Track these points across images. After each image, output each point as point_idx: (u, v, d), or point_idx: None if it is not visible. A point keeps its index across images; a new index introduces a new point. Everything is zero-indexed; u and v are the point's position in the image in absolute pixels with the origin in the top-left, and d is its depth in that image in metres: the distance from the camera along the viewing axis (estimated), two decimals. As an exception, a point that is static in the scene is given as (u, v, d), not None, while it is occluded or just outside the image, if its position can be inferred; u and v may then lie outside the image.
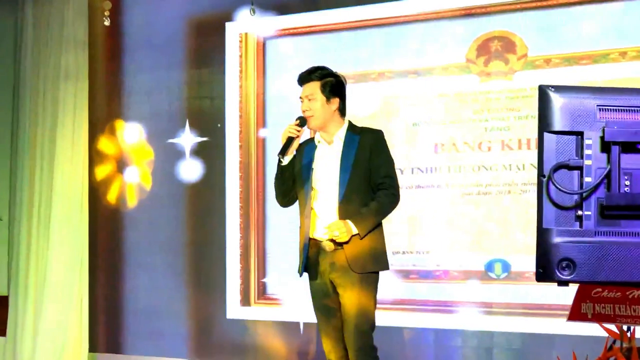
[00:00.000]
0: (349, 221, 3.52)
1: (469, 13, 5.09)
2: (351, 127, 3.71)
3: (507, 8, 4.99)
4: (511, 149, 4.98)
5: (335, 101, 3.66)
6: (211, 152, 5.74)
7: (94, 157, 5.99)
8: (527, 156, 4.93)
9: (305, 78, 3.68)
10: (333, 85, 3.66)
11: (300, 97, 3.68)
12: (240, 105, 5.65)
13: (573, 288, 2.53)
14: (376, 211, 3.57)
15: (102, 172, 6.00)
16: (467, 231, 5.04)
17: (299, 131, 3.63)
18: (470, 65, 5.14)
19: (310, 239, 3.63)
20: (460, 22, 5.08)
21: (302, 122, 3.65)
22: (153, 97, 5.83)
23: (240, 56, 5.66)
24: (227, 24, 5.72)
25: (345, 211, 3.55)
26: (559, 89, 2.09)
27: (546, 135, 2.08)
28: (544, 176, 2.07)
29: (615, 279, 2.07)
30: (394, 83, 5.29)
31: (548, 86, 2.09)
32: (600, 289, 2.61)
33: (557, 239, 2.07)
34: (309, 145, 3.74)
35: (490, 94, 5.05)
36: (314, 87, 3.64)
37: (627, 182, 2.08)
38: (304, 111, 3.64)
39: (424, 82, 5.22)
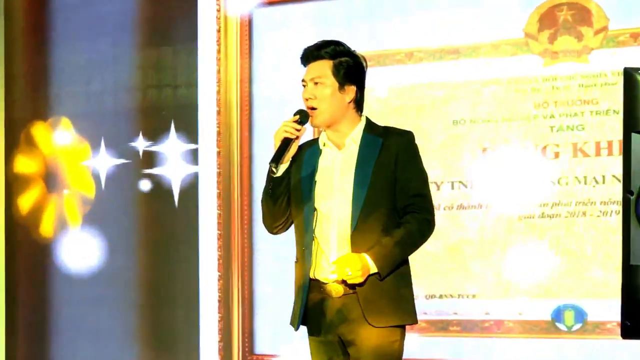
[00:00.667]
0: (365, 255, 3.46)
1: None
2: (370, 126, 3.67)
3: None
4: (587, 155, 5.04)
5: (352, 90, 3.60)
6: (177, 161, 5.76)
7: (12, 178, 6.04)
8: (608, 165, 4.97)
9: (312, 54, 3.61)
10: (350, 68, 3.60)
11: (304, 81, 3.62)
12: (218, 97, 5.68)
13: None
14: (403, 242, 3.53)
15: (26, 200, 6.08)
16: (528, 267, 5.06)
17: (298, 130, 3.57)
18: (530, 42, 5.19)
19: (311, 279, 3.57)
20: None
21: (304, 117, 3.58)
22: (93, 88, 5.92)
23: (218, 30, 5.70)
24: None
25: (361, 242, 3.51)
26: None
27: (635, 137, 2.02)
28: (632, 193, 2.00)
29: None
30: (427, 67, 5.34)
31: (637, 69, 2.02)
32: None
33: None
34: (310, 150, 3.70)
35: (557, 81, 5.12)
36: (324, 67, 3.59)
37: None
38: (306, 99, 3.58)
39: (467, 65, 5.27)
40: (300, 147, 3.68)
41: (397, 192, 3.54)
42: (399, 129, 3.67)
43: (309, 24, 5.51)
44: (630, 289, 2.00)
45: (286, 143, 3.56)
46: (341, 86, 3.56)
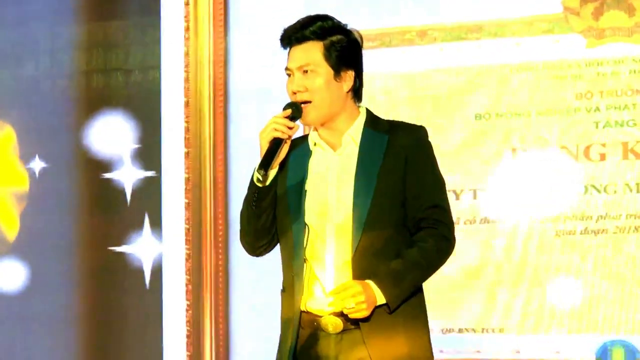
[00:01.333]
0: (371, 283, 3.37)
1: None
2: (372, 120, 3.58)
3: None
4: None
5: (349, 76, 3.51)
6: (133, 167, 5.78)
7: None
8: None
9: (295, 35, 3.51)
10: (345, 48, 3.50)
11: (288, 69, 3.53)
12: (187, 86, 5.64)
13: None
14: (417, 265, 3.43)
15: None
16: (567, 295, 5.08)
17: (291, 128, 3.49)
18: (570, 19, 5.19)
19: (302, 312, 3.48)
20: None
21: (296, 111, 3.50)
22: (25, 72, 5.83)
23: (187, 4, 5.68)
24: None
25: (364, 265, 3.42)
26: None
27: None
28: None
29: None
30: (444, 48, 5.33)
31: None
32: None
33: None
34: (297, 151, 3.62)
35: (603, 66, 5.12)
36: (313, 50, 3.49)
37: None
38: (294, 92, 3.49)
39: (492, 46, 5.28)
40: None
41: (407, 203, 3.47)
42: (409, 124, 3.60)
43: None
44: None
45: (276, 144, 3.47)
46: (337, 72, 3.48)
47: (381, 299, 3.36)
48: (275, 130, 3.44)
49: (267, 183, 3.52)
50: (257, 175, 3.50)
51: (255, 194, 3.56)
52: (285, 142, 3.49)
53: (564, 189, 5.15)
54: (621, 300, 5.02)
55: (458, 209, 5.12)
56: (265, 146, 3.46)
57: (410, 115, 4.85)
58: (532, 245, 5.17)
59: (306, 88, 3.46)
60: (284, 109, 3.47)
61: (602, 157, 5.11)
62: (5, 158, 6.22)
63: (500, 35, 5.27)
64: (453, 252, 3.51)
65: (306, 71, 3.48)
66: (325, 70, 3.47)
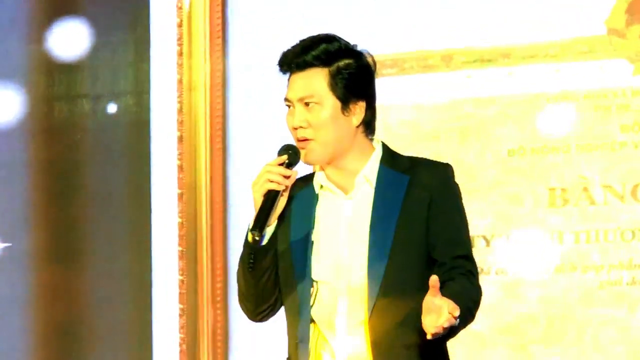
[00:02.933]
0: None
1: None
2: (390, 156, 3.32)
3: None
4: None
5: (360, 107, 3.24)
6: (120, 212, 5.82)
7: None
8: None
9: (296, 61, 3.25)
10: (353, 76, 3.23)
11: (287, 100, 3.27)
12: (181, 119, 5.54)
13: None
14: (465, 295, 3.16)
15: None
16: (611, 351, 4.97)
17: (287, 177, 3.25)
18: (614, 42, 5.09)
19: None
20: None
21: (293, 157, 3.29)
22: None
23: (179, 25, 5.63)
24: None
25: (382, 330, 3.17)
26: None
27: None
28: None
29: None
30: (471, 75, 5.23)
31: None
32: None
33: None
34: (301, 196, 3.36)
35: None
36: (317, 79, 3.22)
37: None
38: (295, 129, 3.24)
39: (526, 73, 5.18)
40: (293, 186, 3.36)
41: (434, 250, 3.22)
42: (432, 161, 3.35)
43: (305, 10, 5.40)
44: None
45: (272, 198, 3.22)
46: (344, 105, 3.22)
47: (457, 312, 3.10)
48: (270, 181, 3.20)
49: (265, 242, 3.26)
50: (252, 235, 3.27)
51: (251, 254, 3.30)
52: (282, 194, 3.24)
53: (609, 233, 5.04)
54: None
55: (488, 257, 5.08)
56: (259, 200, 3.23)
57: (433, 152, 4.82)
58: (572, 298, 5.05)
59: (309, 123, 3.22)
60: (279, 153, 3.26)
61: None
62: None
63: (535, 60, 5.17)
64: (481, 307, 3.22)
65: (308, 103, 3.22)
66: (331, 102, 3.21)
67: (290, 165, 3.22)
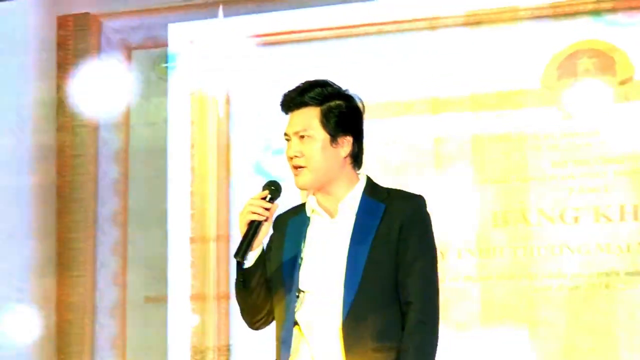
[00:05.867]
0: None
1: (545, 15, 5.25)
2: (371, 188, 3.39)
3: (598, 7, 5.17)
4: (610, 221, 5.03)
5: (347, 142, 3.33)
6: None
7: None
8: (634, 231, 5.01)
9: (294, 101, 3.34)
10: (343, 114, 3.32)
11: (286, 134, 3.35)
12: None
13: None
14: None
15: None
16: (544, 345, 5.05)
17: (268, 210, 3.30)
18: (546, 93, 5.24)
19: None
20: (532, 26, 5.22)
21: (274, 191, 3.32)
22: None
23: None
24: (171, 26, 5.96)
25: (354, 334, 3.23)
26: None
27: None
28: None
29: None
30: (431, 120, 5.37)
31: None
32: None
33: None
34: (295, 220, 3.44)
35: (577, 137, 5.15)
36: (310, 116, 3.31)
37: None
38: (291, 158, 3.31)
39: (475, 118, 5.31)
40: (282, 217, 3.45)
41: (398, 277, 3.26)
42: (407, 192, 3.39)
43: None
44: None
45: (254, 228, 3.28)
46: (333, 138, 3.29)
47: None
48: (252, 212, 3.26)
49: (250, 265, 3.34)
50: (237, 260, 3.32)
51: (240, 275, 3.39)
52: (263, 224, 3.28)
53: (541, 249, 5.14)
54: (595, 352, 5.02)
55: (444, 267, 5.00)
56: (243, 229, 3.29)
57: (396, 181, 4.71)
58: (511, 301, 5.16)
59: (302, 153, 3.28)
60: (263, 188, 3.31)
61: (576, 220, 5.10)
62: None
63: (481, 108, 5.31)
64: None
65: (303, 136, 3.30)
66: (321, 135, 3.29)
67: (272, 199, 3.26)
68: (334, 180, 3.33)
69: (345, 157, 3.32)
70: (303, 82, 3.38)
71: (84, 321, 5.92)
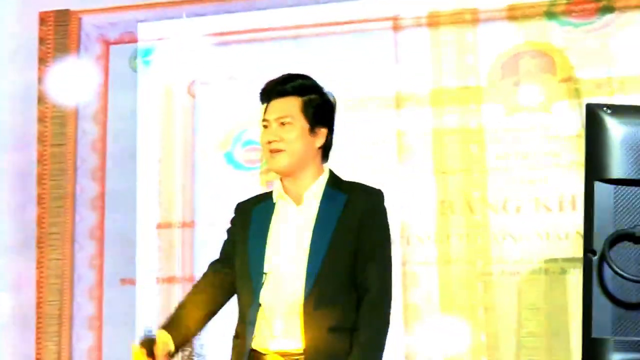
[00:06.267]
0: None
1: (501, 17, 5.36)
2: (334, 180, 3.50)
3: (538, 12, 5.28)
4: (549, 211, 5.15)
5: (322, 133, 3.46)
6: None
7: None
8: (572, 220, 5.12)
9: (276, 89, 3.45)
10: (320, 107, 3.46)
11: (265, 120, 3.43)
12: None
13: None
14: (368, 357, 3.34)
15: None
16: (488, 326, 5.15)
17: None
18: (491, 90, 5.34)
19: (251, 350, 3.37)
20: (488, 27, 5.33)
21: (149, 346, 3.32)
22: None
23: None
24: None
25: (313, 313, 3.31)
26: (619, 111, 1.95)
27: (598, 186, 1.93)
28: (594, 252, 1.90)
29: None
30: (394, 115, 5.48)
31: (601, 106, 1.95)
32: None
33: (615, 356, 1.91)
34: (261, 206, 3.53)
35: (519, 132, 5.27)
36: (291, 104, 3.43)
37: None
38: (269, 142, 3.40)
39: (421, 113, 5.41)
40: (245, 204, 3.57)
41: (356, 262, 3.37)
42: (367, 186, 3.50)
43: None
44: (593, 364, 1.91)
45: None
46: (312, 128, 3.42)
47: None
48: None
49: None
50: None
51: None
52: None
53: (484, 236, 5.24)
54: (536, 332, 5.12)
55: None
56: None
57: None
58: (456, 284, 5.26)
59: (282, 138, 3.37)
60: (141, 339, 3.33)
61: (517, 210, 5.19)
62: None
63: (433, 104, 5.40)
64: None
65: (283, 123, 3.38)
66: (301, 123, 3.38)
67: (149, 353, 3.26)
68: (304, 168, 3.42)
69: (318, 148, 3.44)
70: (284, 74, 3.48)
71: (62, 302, 6.00)
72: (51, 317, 5.99)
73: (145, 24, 6.04)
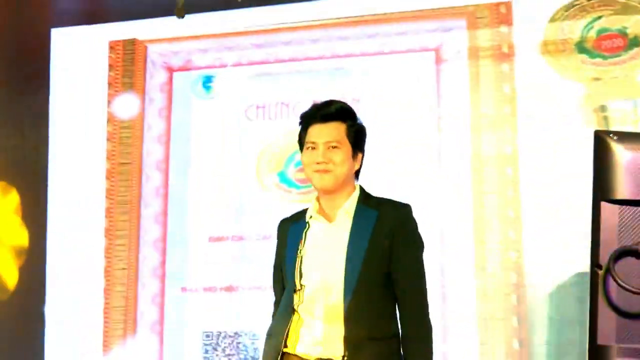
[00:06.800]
0: None
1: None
2: (364, 196, 3.56)
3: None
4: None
5: (359, 158, 3.56)
6: None
7: None
8: None
9: (321, 113, 3.50)
10: (360, 133, 3.55)
11: (313, 143, 3.49)
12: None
13: None
14: None
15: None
16: (517, 335, 5.15)
17: None
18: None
19: (289, 354, 3.43)
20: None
21: None
22: None
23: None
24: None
25: (355, 324, 3.37)
26: (624, 137, 2.03)
27: (605, 205, 2.01)
28: (600, 267, 1.99)
29: None
30: None
31: (607, 132, 2.03)
32: None
33: None
34: (295, 225, 3.60)
35: None
36: (340, 130, 3.49)
37: None
38: (317, 163, 3.46)
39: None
40: (285, 222, 3.66)
41: (392, 273, 3.44)
42: (395, 201, 3.56)
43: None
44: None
45: None
46: (354, 153, 3.51)
47: None
48: None
49: None
50: None
51: None
52: None
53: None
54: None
55: None
56: None
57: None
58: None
59: (330, 160, 3.42)
60: None
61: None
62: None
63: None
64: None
65: (331, 147, 3.43)
66: (347, 148, 3.45)
67: None
68: (343, 188, 3.49)
69: (356, 170, 3.54)
70: (326, 100, 3.55)
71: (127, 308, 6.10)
72: (117, 322, 6.13)
73: (205, 53, 6.19)
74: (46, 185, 6.28)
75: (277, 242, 3.63)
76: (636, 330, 1.97)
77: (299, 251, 3.47)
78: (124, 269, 6.10)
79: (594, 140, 2.02)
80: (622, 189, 1.99)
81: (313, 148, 3.46)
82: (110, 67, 6.37)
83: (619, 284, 1.94)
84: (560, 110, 5.34)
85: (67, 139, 6.35)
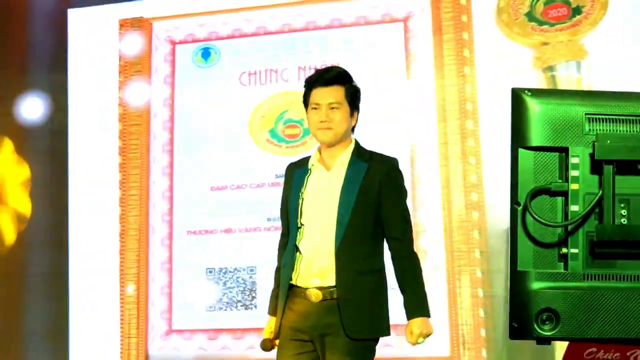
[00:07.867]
0: (423, 320, 3.48)
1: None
2: (358, 150, 3.64)
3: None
4: None
5: (355, 116, 3.64)
6: None
7: None
8: None
9: (323, 78, 3.58)
10: (357, 94, 3.64)
11: (316, 104, 3.57)
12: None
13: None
14: (421, 285, 3.53)
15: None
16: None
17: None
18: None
19: (293, 285, 3.53)
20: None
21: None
22: None
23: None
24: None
25: (345, 259, 3.47)
26: (537, 93, 2.05)
27: (521, 152, 2.03)
28: (519, 204, 2.01)
29: (611, 334, 1.99)
30: None
31: (522, 90, 2.05)
32: (594, 349, 2.58)
33: (535, 285, 2.01)
34: (300, 170, 3.68)
35: None
36: (340, 92, 3.56)
37: (624, 212, 2.01)
38: (320, 122, 3.56)
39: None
40: (291, 167, 3.75)
41: (382, 220, 3.54)
42: (384, 155, 3.67)
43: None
44: (517, 292, 1.99)
45: None
46: (351, 112, 3.60)
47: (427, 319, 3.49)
48: None
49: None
50: None
51: None
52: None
53: None
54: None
55: None
56: None
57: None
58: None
59: (331, 119, 3.51)
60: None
61: None
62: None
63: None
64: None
65: (333, 108, 3.52)
66: (345, 108, 3.54)
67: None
68: (340, 142, 3.57)
69: (352, 126, 3.63)
70: (327, 66, 3.73)
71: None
72: (131, 261, 6.34)
73: (204, 27, 6.35)
74: (67, 145, 6.43)
75: (284, 183, 3.74)
76: (548, 257, 2.03)
77: (300, 193, 3.57)
78: (136, 215, 6.28)
79: (511, 96, 2.06)
80: (536, 137, 2.03)
81: (316, 108, 3.56)
82: (121, 42, 6.52)
83: (534, 218, 2.02)
84: (514, 71, 5.52)
85: (85, 106, 6.49)
